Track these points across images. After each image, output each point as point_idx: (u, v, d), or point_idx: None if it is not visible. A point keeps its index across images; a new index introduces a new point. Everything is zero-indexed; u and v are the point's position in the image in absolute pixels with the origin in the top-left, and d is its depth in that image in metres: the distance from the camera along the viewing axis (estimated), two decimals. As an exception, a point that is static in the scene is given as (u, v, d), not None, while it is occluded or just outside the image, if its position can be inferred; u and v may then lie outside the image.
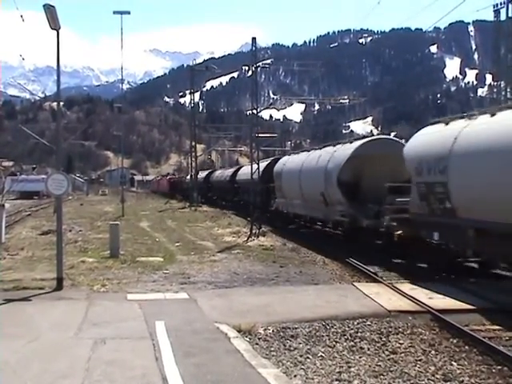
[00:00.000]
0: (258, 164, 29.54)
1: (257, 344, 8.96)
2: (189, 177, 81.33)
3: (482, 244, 12.38)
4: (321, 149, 24.36)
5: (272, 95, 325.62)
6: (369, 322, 10.19)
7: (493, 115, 12.75)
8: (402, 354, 8.49)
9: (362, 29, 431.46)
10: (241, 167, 46.91)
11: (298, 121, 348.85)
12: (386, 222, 16.39)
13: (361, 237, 19.47)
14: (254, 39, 29.95)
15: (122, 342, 8.65)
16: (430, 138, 14.87)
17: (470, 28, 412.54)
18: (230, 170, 50.15)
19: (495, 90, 50.14)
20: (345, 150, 20.51)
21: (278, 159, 31.72)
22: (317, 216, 24.28)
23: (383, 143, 19.90)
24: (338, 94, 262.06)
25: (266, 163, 33.64)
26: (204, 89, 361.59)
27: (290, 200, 27.05)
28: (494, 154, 11.76)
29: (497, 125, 12.21)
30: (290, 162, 28.08)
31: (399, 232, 15.58)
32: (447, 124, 14.50)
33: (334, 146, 22.56)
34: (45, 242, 23.24)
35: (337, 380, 7.41)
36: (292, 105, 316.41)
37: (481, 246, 12.64)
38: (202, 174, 62.49)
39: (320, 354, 8.52)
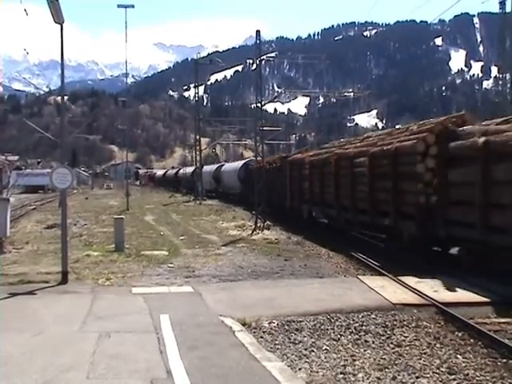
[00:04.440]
0: (261, 157, 29.51)
1: (261, 337, 8.95)
2: (160, 172, 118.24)
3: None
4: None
5: (276, 88, 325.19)
6: (373, 315, 10.16)
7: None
8: (407, 347, 8.46)
9: (366, 21, 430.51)
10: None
11: (303, 114, 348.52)
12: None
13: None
14: (258, 32, 29.80)
15: (126, 336, 8.66)
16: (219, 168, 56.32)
17: (475, 20, 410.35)
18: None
19: (500, 83, 49.96)
20: None
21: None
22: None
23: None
24: (342, 87, 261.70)
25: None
26: (208, 82, 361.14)
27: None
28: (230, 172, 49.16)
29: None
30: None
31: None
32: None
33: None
34: (50, 235, 23.31)
35: (341, 373, 7.39)
36: (296, 98, 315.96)
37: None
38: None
39: (325, 347, 8.51)
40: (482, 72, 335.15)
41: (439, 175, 14.21)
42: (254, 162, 38.50)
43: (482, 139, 12.53)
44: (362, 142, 20.73)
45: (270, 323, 9.64)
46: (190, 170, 69.27)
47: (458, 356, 8.04)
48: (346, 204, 20.18)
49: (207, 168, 60.54)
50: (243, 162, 47.74)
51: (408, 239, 15.62)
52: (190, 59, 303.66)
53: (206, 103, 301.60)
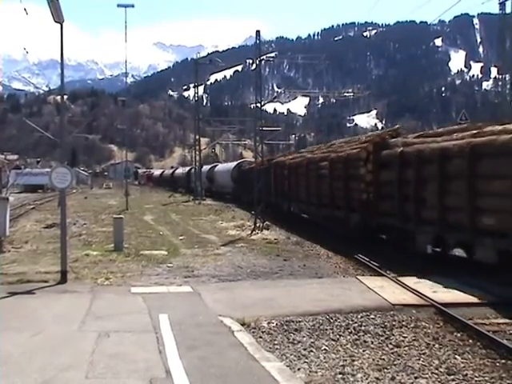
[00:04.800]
0: (261, 157, 29.52)
1: (260, 337, 8.95)
2: (157, 172, 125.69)
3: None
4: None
5: (276, 88, 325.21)
6: (372, 316, 10.17)
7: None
8: (406, 348, 8.47)
9: (366, 22, 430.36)
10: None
11: (302, 114, 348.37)
12: None
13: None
14: (258, 32, 29.79)
15: (125, 335, 8.67)
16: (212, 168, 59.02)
17: (475, 21, 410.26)
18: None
19: (500, 83, 49.94)
20: None
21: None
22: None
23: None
24: (342, 87, 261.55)
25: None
26: (208, 82, 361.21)
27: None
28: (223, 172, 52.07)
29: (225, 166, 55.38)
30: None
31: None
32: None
33: None
34: (49, 235, 23.31)
35: (340, 373, 7.40)
36: (296, 98, 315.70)
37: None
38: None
39: (324, 347, 8.52)
40: (481, 73, 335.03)
41: (374, 176, 18.03)
42: (246, 163, 46.56)
43: (400, 149, 16.54)
44: (327, 149, 25.02)
45: (269, 323, 9.65)
46: (185, 170, 76.18)
47: (457, 356, 8.05)
48: (313, 200, 24.29)
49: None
50: (236, 163, 51.77)
51: (353, 228, 19.46)
52: (189, 59, 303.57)
53: (206, 103, 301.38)
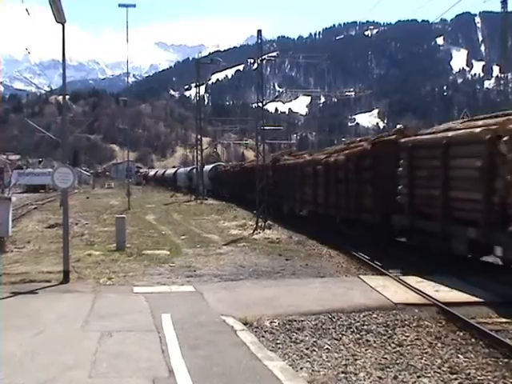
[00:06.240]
0: (263, 156, 29.51)
1: (263, 337, 8.96)
2: (151, 172, 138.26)
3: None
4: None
5: (278, 88, 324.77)
6: (375, 315, 10.17)
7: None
8: (409, 347, 8.47)
9: (367, 21, 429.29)
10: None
11: (304, 114, 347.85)
12: None
13: None
14: (259, 32, 29.77)
15: (128, 335, 8.68)
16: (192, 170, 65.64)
17: (477, 19, 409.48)
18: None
19: (502, 82, 49.94)
20: None
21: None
22: None
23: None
24: (343, 86, 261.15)
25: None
26: (209, 82, 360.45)
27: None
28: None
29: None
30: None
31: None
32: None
33: None
34: (51, 235, 23.32)
35: (343, 372, 7.40)
36: (297, 98, 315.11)
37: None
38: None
39: (326, 346, 8.52)
40: (483, 71, 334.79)
41: (273, 177, 30.94)
42: (221, 166, 58.98)
43: (281, 163, 30.86)
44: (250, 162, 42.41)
45: (271, 322, 9.65)
46: (172, 171, 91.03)
47: (460, 355, 8.05)
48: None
49: (182, 170, 78.02)
50: (212, 165, 61.69)
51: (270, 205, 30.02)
52: (191, 59, 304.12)
53: (207, 103, 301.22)
